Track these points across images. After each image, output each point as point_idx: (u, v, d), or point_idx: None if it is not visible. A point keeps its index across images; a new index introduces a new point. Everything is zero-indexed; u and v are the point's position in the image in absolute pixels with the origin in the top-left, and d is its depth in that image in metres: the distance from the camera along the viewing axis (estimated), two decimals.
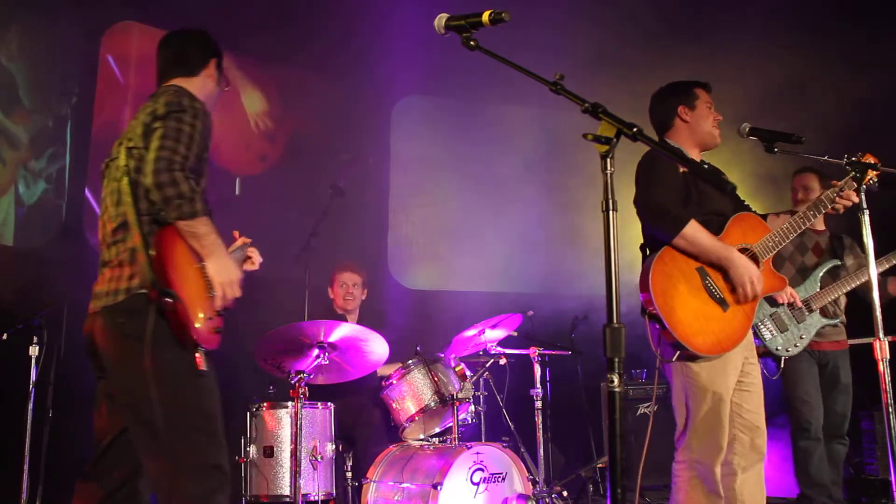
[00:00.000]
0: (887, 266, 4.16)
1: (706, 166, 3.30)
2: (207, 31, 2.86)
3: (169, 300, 2.33)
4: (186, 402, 2.41)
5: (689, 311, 2.92)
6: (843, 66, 5.61)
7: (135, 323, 2.36)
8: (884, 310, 4.43)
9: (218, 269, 2.49)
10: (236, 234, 3.01)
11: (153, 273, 2.36)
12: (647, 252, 3.11)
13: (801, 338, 4.05)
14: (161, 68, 2.78)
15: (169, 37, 2.81)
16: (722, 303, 2.97)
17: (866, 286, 4.17)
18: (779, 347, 4.00)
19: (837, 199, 3.06)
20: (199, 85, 2.76)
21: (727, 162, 5.04)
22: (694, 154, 3.25)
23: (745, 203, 3.34)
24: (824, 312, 4.17)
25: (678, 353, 2.94)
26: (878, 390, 2.77)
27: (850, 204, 3.05)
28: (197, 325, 2.39)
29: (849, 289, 4.18)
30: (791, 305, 4.04)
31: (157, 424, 2.35)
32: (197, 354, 2.40)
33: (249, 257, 3.01)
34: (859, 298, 4.31)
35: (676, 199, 3.03)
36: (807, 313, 4.09)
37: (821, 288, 4.17)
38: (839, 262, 4.33)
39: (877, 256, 3.39)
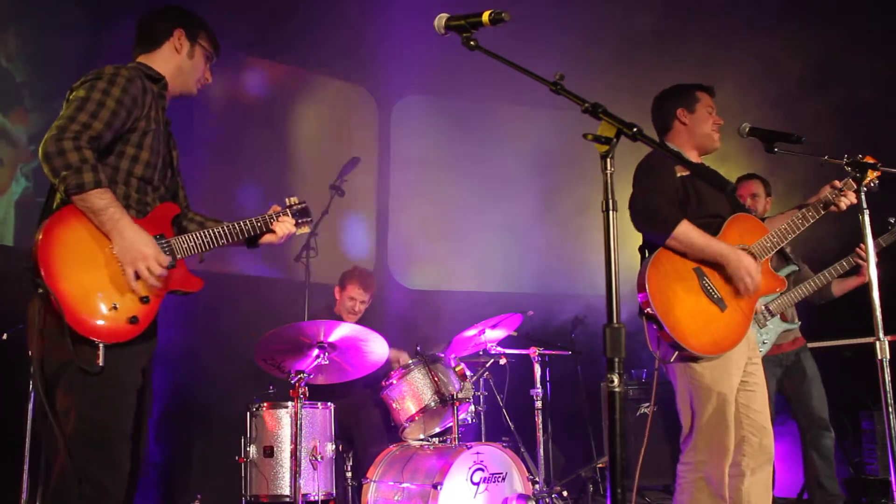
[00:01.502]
0: (842, 271, 4.23)
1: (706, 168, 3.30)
2: (179, 6, 2.69)
3: (40, 290, 2.16)
4: (73, 401, 2.21)
5: (687, 312, 2.92)
6: (850, 61, 5.63)
7: (31, 313, 2.28)
8: (822, 309, 4.54)
9: (122, 247, 2.24)
10: (276, 207, 2.82)
11: (30, 260, 2.18)
12: (647, 253, 3.11)
13: (763, 342, 4.11)
14: (133, 49, 2.64)
15: (142, 14, 2.66)
16: (720, 302, 2.97)
17: (816, 291, 4.26)
18: None
19: (837, 198, 3.06)
20: (165, 58, 2.60)
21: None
22: (693, 157, 3.25)
23: (745, 205, 3.34)
24: (784, 317, 4.23)
25: (677, 353, 2.94)
26: (878, 390, 2.77)
27: (850, 203, 3.06)
28: (84, 317, 2.16)
29: (808, 294, 4.25)
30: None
31: (50, 417, 2.21)
32: (98, 349, 2.17)
33: (272, 230, 2.76)
34: (807, 302, 4.40)
35: (670, 202, 3.03)
36: (768, 318, 4.13)
37: (781, 294, 4.21)
38: (797, 268, 4.37)
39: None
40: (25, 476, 4.07)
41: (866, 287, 4.28)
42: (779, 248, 3.12)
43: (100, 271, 2.23)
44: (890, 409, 2.75)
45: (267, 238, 2.77)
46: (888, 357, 2.79)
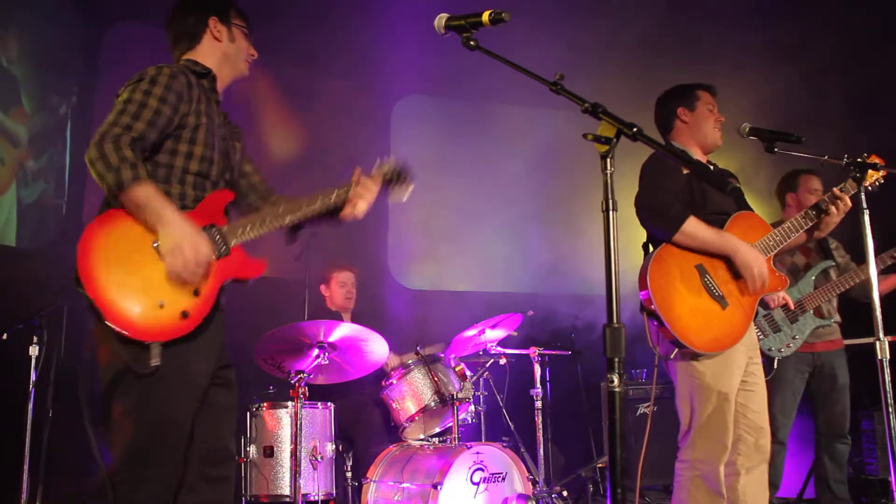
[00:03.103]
0: (882, 266, 4.18)
1: (712, 167, 3.31)
2: None
3: (80, 290, 2.12)
4: (121, 407, 2.17)
5: (688, 309, 2.93)
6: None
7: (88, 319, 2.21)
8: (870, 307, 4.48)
9: (165, 239, 2.17)
10: (358, 170, 2.57)
11: (74, 270, 2.14)
12: (651, 249, 3.12)
13: (794, 338, 4.06)
14: (171, 52, 2.59)
15: (168, 16, 2.59)
16: (721, 300, 2.98)
17: (859, 286, 4.21)
18: (771, 348, 4.02)
19: (827, 205, 3.08)
20: (207, 51, 2.53)
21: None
22: (697, 154, 3.26)
23: (748, 203, 3.34)
24: (818, 313, 4.18)
25: (677, 350, 2.94)
26: (877, 390, 2.77)
27: (847, 207, 3.07)
28: (129, 318, 2.11)
29: (845, 289, 4.17)
30: (784, 307, 4.06)
31: (102, 423, 2.18)
32: (149, 350, 2.12)
33: (350, 200, 2.55)
34: (849, 298, 4.33)
35: (677, 199, 3.04)
36: (800, 314, 4.10)
37: (814, 288, 4.18)
38: (833, 263, 4.33)
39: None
40: (25, 476, 4.07)
41: (858, 287, 4.32)
42: (781, 246, 3.12)
43: (144, 270, 2.17)
44: (890, 409, 2.76)
45: (346, 212, 2.56)
46: (888, 357, 2.79)
